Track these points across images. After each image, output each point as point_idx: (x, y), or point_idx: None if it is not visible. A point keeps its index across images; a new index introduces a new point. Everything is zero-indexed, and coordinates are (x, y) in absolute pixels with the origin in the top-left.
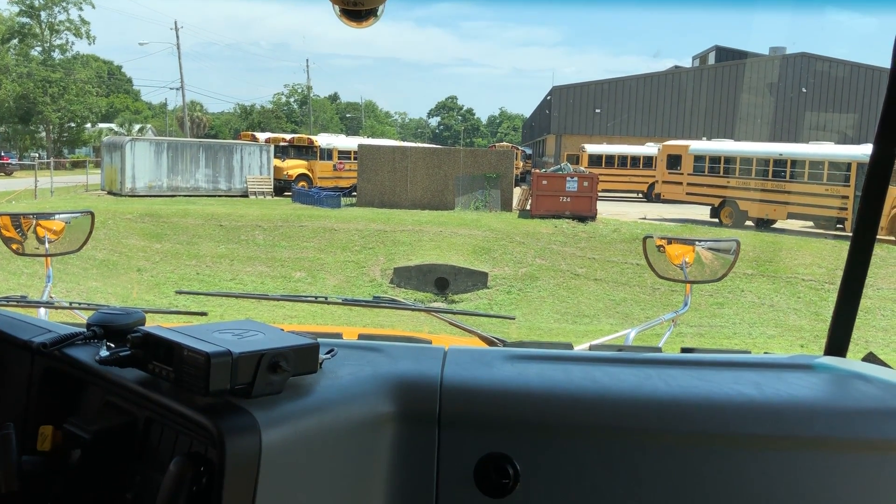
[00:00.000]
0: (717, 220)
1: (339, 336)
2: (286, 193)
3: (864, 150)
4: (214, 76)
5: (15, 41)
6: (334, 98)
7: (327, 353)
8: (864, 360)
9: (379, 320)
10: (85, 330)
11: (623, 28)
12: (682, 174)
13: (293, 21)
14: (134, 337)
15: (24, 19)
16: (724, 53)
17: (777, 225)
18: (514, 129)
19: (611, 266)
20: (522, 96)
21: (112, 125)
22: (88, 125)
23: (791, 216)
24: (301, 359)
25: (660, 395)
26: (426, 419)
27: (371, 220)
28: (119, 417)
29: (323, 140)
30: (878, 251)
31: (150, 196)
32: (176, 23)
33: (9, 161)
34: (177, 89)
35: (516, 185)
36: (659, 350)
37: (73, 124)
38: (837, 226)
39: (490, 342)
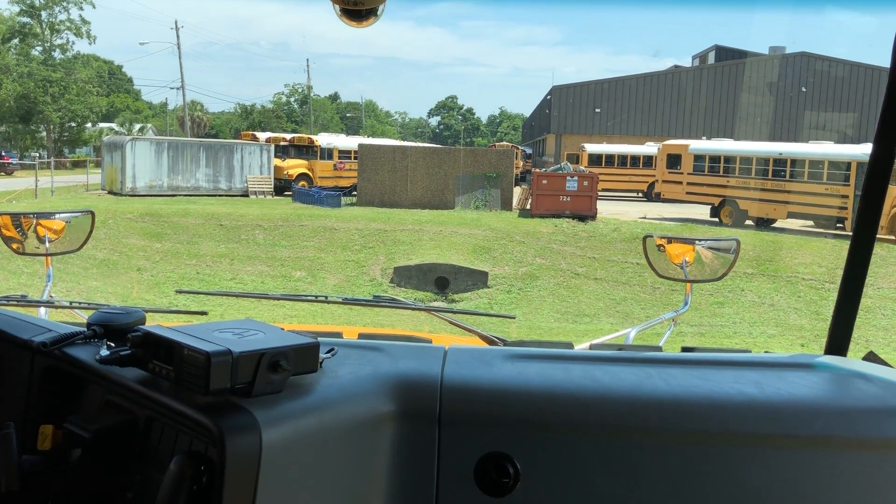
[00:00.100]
0: (717, 219)
1: (339, 335)
2: (286, 193)
3: (864, 150)
4: (215, 76)
5: (15, 41)
6: (335, 98)
7: (327, 352)
8: (864, 359)
9: (379, 319)
10: (85, 329)
11: (623, 27)
12: (682, 173)
13: (293, 20)
14: (134, 336)
15: (25, 19)
16: (723, 53)
17: (777, 224)
18: (514, 128)
19: (611, 265)
20: (522, 96)
21: (112, 125)
22: (89, 125)
23: (791, 215)
24: (301, 358)
25: (660, 394)
26: (426, 418)
27: (371, 219)
28: (119, 416)
29: (323, 139)
30: (878, 250)
31: (151, 195)
32: (176, 22)
33: (9, 161)
34: (177, 89)
35: (516, 184)
36: (659, 349)
37: (73, 124)
38: (837, 225)
39: (490, 341)
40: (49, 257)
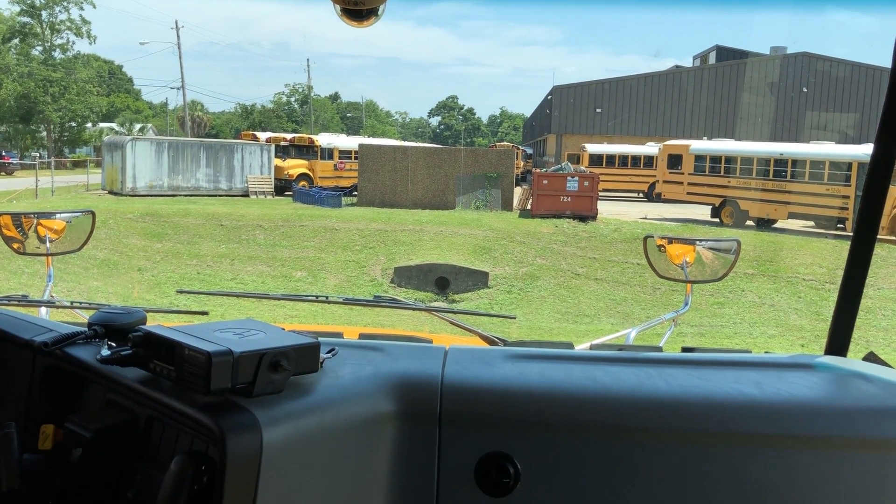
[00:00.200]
0: (717, 219)
1: (339, 335)
2: (287, 193)
3: (865, 150)
4: (215, 76)
5: (16, 41)
6: (335, 97)
7: (328, 352)
8: (864, 359)
9: (380, 320)
10: (86, 329)
11: (623, 28)
12: (683, 174)
13: (294, 20)
14: (135, 336)
15: (25, 19)
16: (724, 53)
17: (778, 225)
18: (515, 128)
19: (611, 266)
20: (523, 96)
21: (113, 125)
22: (89, 125)
23: (792, 216)
24: (302, 358)
25: (660, 394)
26: (427, 418)
27: (372, 219)
28: (120, 416)
29: (324, 140)
30: (879, 251)
31: (151, 195)
32: (177, 22)
33: (10, 160)
34: (177, 89)
35: (517, 184)
36: (660, 349)
37: (73, 124)
38: (838, 225)
39: (491, 341)
40: (50, 257)
